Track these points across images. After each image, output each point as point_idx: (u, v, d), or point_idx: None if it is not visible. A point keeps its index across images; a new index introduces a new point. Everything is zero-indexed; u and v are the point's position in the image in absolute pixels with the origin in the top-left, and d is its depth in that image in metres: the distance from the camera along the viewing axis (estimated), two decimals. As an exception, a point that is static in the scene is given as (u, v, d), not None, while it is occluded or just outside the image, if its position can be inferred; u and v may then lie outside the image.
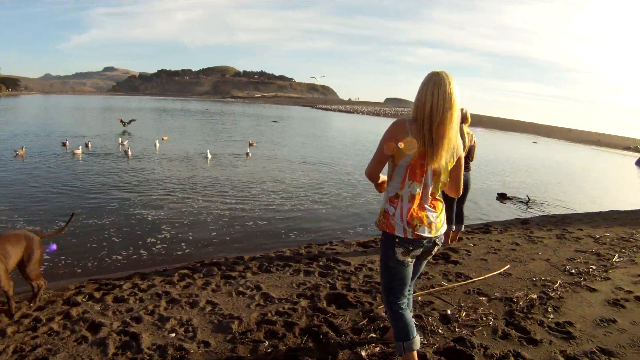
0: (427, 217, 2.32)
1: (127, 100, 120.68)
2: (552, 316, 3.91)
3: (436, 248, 2.45)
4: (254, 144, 19.94)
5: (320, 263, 5.21)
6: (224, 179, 11.89)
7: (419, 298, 4.19)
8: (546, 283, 4.71)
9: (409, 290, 2.64)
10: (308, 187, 11.61)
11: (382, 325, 3.41)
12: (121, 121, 23.34)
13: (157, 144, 17.44)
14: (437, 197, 2.41)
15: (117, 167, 12.63)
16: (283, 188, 11.15)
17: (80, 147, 14.96)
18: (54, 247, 3.60)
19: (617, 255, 5.67)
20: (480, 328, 3.56)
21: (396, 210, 2.30)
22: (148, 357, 2.89)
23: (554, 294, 4.41)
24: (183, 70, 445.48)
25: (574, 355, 3.24)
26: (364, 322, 3.51)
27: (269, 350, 2.99)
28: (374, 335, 3.31)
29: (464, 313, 3.85)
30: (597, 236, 6.69)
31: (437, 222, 2.37)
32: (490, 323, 3.67)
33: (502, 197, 12.18)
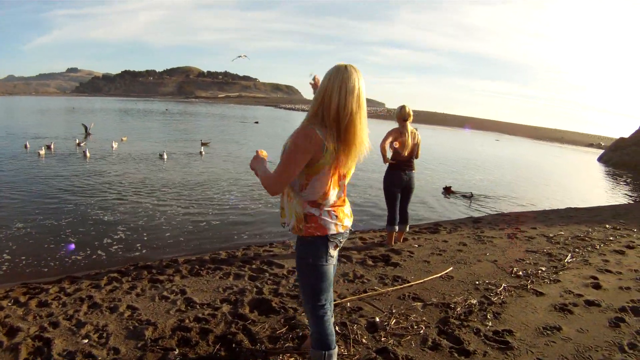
0: (345, 210, 2.26)
1: (90, 101, 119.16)
2: (490, 324, 3.47)
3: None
4: (207, 144, 19.61)
5: (253, 266, 4.81)
6: (180, 179, 11.62)
7: (348, 304, 3.74)
8: (489, 287, 4.25)
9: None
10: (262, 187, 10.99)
11: (301, 334, 3.10)
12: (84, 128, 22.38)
13: (115, 145, 17.08)
14: (344, 192, 2.29)
15: (75, 169, 12.32)
16: (237, 188, 10.78)
17: (43, 147, 14.71)
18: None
19: (569, 255, 5.26)
20: (409, 337, 3.16)
21: (322, 210, 2.14)
22: None
23: (496, 298, 3.94)
24: (147, 70, 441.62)
25: None
26: (284, 330, 3.20)
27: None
28: (290, 344, 3.00)
29: (394, 320, 3.42)
30: (551, 235, 6.30)
31: (350, 212, 2.32)
32: (421, 332, 3.26)
33: (446, 191, 12.19)
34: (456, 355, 2.96)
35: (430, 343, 3.09)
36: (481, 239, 6.09)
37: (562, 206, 10.46)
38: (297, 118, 66.66)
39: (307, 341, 2.72)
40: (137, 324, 3.26)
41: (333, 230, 2.16)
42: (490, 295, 4.01)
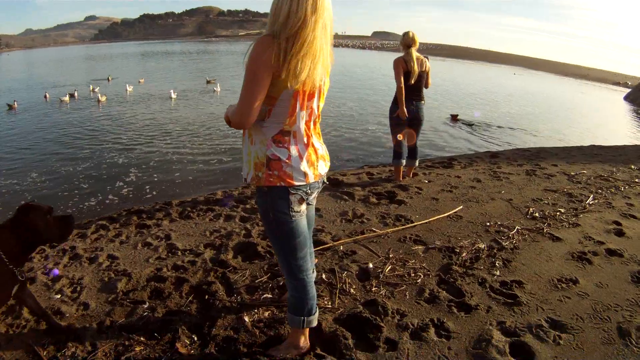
0: (317, 149, 1.86)
1: (109, 47, 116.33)
2: (498, 273, 3.10)
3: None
4: (213, 81, 19.28)
5: (247, 206, 4.47)
6: (192, 118, 11.46)
7: (340, 247, 3.39)
8: (501, 229, 3.84)
9: (310, 250, 2.14)
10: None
11: (282, 283, 2.79)
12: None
13: (129, 88, 16.81)
14: (317, 124, 1.91)
15: (91, 115, 12.33)
16: None
17: (67, 95, 14.89)
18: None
19: (591, 196, 4.76)
20: (404, 287, 2.83)
21: (291, 152, 1.75)
22: (25, 322, 2.42)
23: (507, 243, 3.55)
24: (166, 13, 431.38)
25: (513, 329, 2.46)
26: (265, 277, 2.91)
27: (144, 314, 2.50)
28: (269, 295, 2.71)
29: (389, 267, 3.07)
30: (572, 173, 5.76)
31: (326, 153, 1.94)
32: (419, 281, 2.91)
33: (453, 118, 12.37)
34: (455, 310, 2.62)
35: (427, 295, 2.76)
36: (497, 175, 5.60)
37: (585, 143, 9.72)
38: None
39: (286, 293, 2.34)
40: (112, 275, 3.00)
41: (300, 180, 1.77)
42: (501, 239, 3.62)
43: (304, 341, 2.11)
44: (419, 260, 3.25)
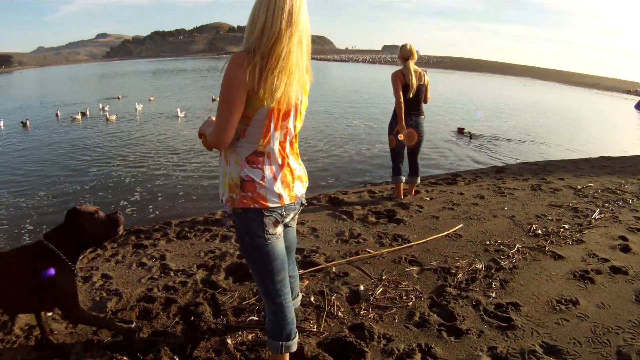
0: (294, 169, 1.83)
1: (121, 64, 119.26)
2: (494, 295, 2.99)
3: (301, 208, 1.95)
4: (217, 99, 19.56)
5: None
6: (196, 136, 11.58)
7: (333, 269, 3.32)
8: (501, 248, 3.74)
9: (291, 270, 2.14)
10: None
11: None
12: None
13: (139, 107, 16.99)
14: (294, 143, 1.88)
15: (100, 133, 12.50)
16: None
17: (79, 113, 15.21)
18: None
19: (598, 210, 4.61)
20: (394, 311, 2.75)
21: (265, 172, 1.72)
22: (15, 339, 2.48)
23: (506, 262, 3.44)
24: (177, 30, 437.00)
25: (505, 354, 2.37)
26: (253, 299, 2.86)
27: (130, 334, 2.50)
28: (255, 317, 2.66)
29: (381, 289, 2.99)
30: (579, 187, 5.61)
31: (303, 175, 1.91)
32: (410, 304, 2.83)
33: (459, 131, 12.47)
34: (445, 334, 2.53)
35: (417, 318, 2.67)
36: (501, 190, 5.49)
37: (595, 155, 9.48)
38: (330, 68, 65.15)
39: None
40: (104, 295, 3.01)
41: (275, 202, 1.73)
42: (501, 259, 3.52)
43: None
44: (412, 282, 3.17)
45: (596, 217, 4.43)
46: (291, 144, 1.83)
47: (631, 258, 3.54)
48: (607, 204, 4.86)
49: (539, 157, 9.33)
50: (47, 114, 16.36)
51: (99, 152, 9.78)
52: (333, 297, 2.85)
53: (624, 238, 3.90)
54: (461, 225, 4.27)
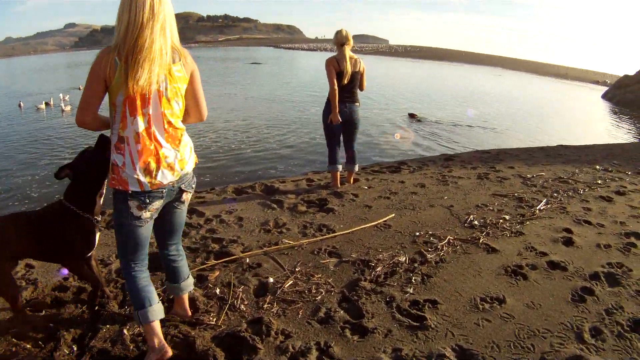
0: (165, 156, 1.86)
1: (88, 54, 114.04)
2: (412, 290, 2.64)
3: (186, 195, 2.04)
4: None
5: None
6: None
7: (247, 259, 3.02)
8: (431, 239, 3.35)
9: (172, 251, 2.21)
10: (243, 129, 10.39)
11: (172, 297, 2.44)
12: None
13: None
14: (177, 125, 1.91)
15: (57, 123, 11.62)
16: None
17: (43, 103, 14.50)
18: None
19: (544, 201, 4.27)
20: (300, 305, 2.49)
21: (125, 159, 1.79)
22: None
23: (433, 255, 3.06)
24: None
25: (410, 357, 2.05)
26: (159, 290, 2.55)
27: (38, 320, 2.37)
28: None
29: (290, 282, 2.72)
30: (529, 176, 5.27)
31: (179, 161, 1.92)
32: (318, 298, 2.55)
33: (411, 117, 12.48)
34: (348, 333, 2.21)
35: (322, 314, 2.36)
36: (445, 179, 5.10)
37: (554, 143, 9.30)
38: (301, 56, 64.68)
39: (174, 306, 2.36)
40: (23, 284, 2.75)
41: (135, 187, 1.80)
42: (428, 251, 3.12)
43: (159, 343, 1.96)
44: (326, 274, 2.81)
45: (541, 208, 4.07)
46: (165, 130, 1.85)
47: (573, 252, 3.18)
48: (555, 194, 4.52)
49: (495, 146, 9.10)
50: (10, 104, 15.25)
51: (53, 144, 9.08)
52: (240, 290, 2.62)
53: (568, 230, 3.55)
54: (393, 215, 3.86)
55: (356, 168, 4.88)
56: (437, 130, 10.71)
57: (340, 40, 4.32)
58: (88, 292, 2.57)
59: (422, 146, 8.78)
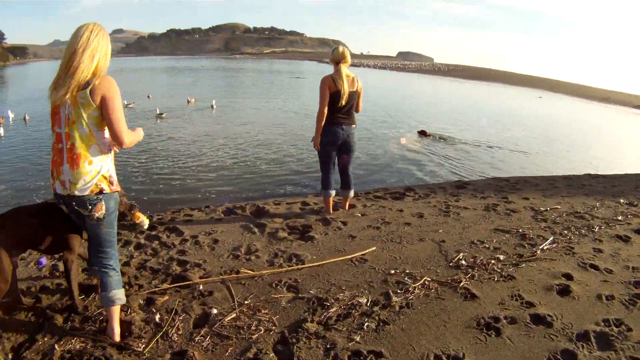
0: (60, 172, 2.04)
1: (136, 60, 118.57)
2: (358, 339, 2.36)
3: (88, 212, 2.12)
4: (192, 101, 18.29)
5: (153, 233, 4.05)
6: (178, 137, 11.13)
7: (200, 286, 2.90)
8: (405, 280, 3.02)
9: (97, 263, 2.30)
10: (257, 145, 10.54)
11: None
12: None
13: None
14: (80, 150, 2.02)
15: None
16: (226, 146, 9.92)
17: None
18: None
19: (551, 239, 3.79)
20: (232, 342, 2.32)
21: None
22: None
23: (400, 298, 2.76)
24: (193, 28, 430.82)
25: None
26: (102, 310, 2.55)
27: None
28: (94, 327, 2.43)
29: (233, 316, 2.55)
30: (542, 209, 4.75)
31: (71, 184, 2.03)
32: (254, 337, 2.35)
33: (422, 134, 12.11)
34: None
35: (251, 355, 2.21)
36: (448, 209, 4.70)
37: (586, 171, 8.51)
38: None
39: (108, 325, 2.33)
40: None
41: (55, 188, 2.12)
42: (396, 293, 2.81)
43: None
44: (274, 311, 2.61)
45: (545, 247, 3.61)
46: (68, 150, 2.01)
47: (566, 304, 2.74)
48: (565, 231, 4.02)
49: (520, 171, 8.50)
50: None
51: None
52: (180, 318, 2.51)
53: (568, 276, 3.10)
54: (374, 248, 3.56)
55: (351, 194, 4.60)
56: (461, 153, 10.23)
57: (336, 57, 4.07)
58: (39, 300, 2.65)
59: (439, 170, 8.36)
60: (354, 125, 4.24)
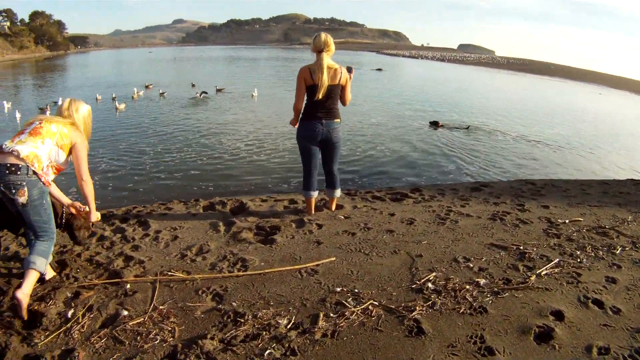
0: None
1: (193, 50, 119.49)
2: None
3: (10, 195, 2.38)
4: (222, 90, 18.53)
5: (122, 225, 3.92)
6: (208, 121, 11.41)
7: (128, 285, 2.75)
8: (348, 301, 2.53)
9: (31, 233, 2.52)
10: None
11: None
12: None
13: (135, 94, 16.51)
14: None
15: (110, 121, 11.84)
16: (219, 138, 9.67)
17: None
18: None
19: (556, 261, 3.08)
20: (125, 347, 2.14)
21: None
22: None
23: (329, 324, 2.31)
24: (253, 19, 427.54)
25: None
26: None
27: None
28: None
29: (139, 320, 2.33)
30: (560, 221, 3.93)
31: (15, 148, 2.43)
32: (147, 345, 2.14)
33: (434, 124, 11.79)
34: None
35: None
36: (447, 216, 4.05)
37: (625, 177, 7.26)
38: (400, 63, 63.32)
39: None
40: None
41: None
42: (328, 317, 2.36)
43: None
44: (183, 320, 2.35)
45: (543, 272, 2.93)
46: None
47: (539, 355, 2.12)
48: (578, 252, 3.25)
49: (563, 172, 7.58)
50: (90, 96, 15.79)
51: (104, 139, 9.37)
52: (91, 315, 2.38)
53: (558, 315, 2.43)
54: (333, 258, 3.09)
55: (337, 193, 4.13)
56: (496, 149, 9.37)
57: (317, 46, 3.58)
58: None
59: (463, 167, 7.64)
60: (337, 120, 3.75)
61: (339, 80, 3.62)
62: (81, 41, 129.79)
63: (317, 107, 3.64)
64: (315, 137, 3.72)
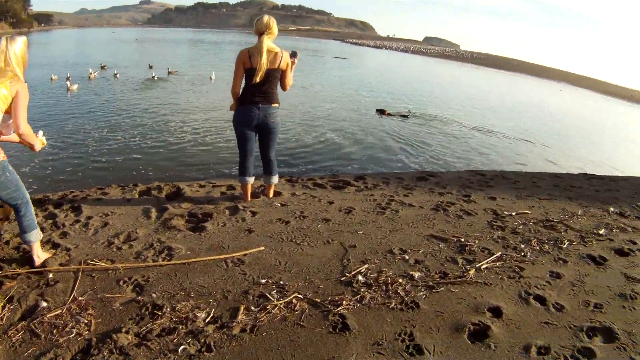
0: None
1: (155, 32, 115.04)
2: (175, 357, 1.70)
3: None
4: (175, 72, 18.61)
5: (55, 211, 3.64)
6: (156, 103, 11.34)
7: (50, 275, 2.53)
8: (272, 293, 2.37)
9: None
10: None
11: None
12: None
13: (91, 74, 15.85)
14: None
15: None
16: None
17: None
18: None
19: (498, 254, 3.02)
20: (40, 342, 1.99)
21: None
22: None
23: (249, 318, 2.18)
24: (220, 3, 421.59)
25: None
26: None
27: None
28: None
29: (57, 312, 2.18)
30: (506, 213, 3.94)
31: None
32: (62, 339, 1.99)
33: (380, 112, 11.94)
34: None
35: None
36: (388, 205, 3.95)
37: (591, 170, 7.55)
38: (364, 53, 63.80)
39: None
40: None
41: None
42: (249, 311, 2.20)
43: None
44: (101, 312, 2.20)
45: (484, 266, 2.84)
46: None
47: (472, 355, 2.00)
48: (522, 245, 3.22)
49: (508, 165, 7.82)
50: (45, 76, 14.87)
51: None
52: (11, 307, 2.23)
53: (496, 311, 2.35)
54: (262, 248, 2.91)
55: (274, 180, 3.96)
56: (450, 138, 9.67)
57: (259, 28, 3.44)
58: None
59: (413, 157, 7.71)
60: (275, 105, 3.61)
61: (279, 65, 3.49)
62: (45, 19, 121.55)
63: (254, 91, 3.51)
64: (251, 122, 3.58)
